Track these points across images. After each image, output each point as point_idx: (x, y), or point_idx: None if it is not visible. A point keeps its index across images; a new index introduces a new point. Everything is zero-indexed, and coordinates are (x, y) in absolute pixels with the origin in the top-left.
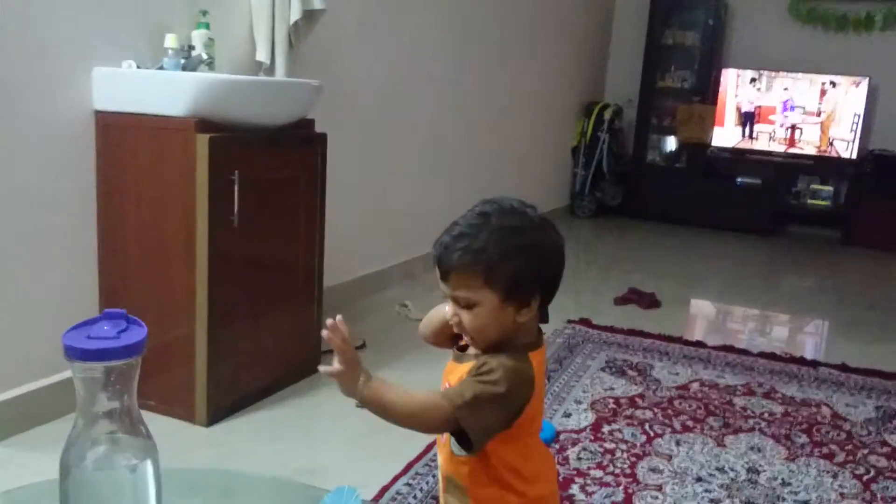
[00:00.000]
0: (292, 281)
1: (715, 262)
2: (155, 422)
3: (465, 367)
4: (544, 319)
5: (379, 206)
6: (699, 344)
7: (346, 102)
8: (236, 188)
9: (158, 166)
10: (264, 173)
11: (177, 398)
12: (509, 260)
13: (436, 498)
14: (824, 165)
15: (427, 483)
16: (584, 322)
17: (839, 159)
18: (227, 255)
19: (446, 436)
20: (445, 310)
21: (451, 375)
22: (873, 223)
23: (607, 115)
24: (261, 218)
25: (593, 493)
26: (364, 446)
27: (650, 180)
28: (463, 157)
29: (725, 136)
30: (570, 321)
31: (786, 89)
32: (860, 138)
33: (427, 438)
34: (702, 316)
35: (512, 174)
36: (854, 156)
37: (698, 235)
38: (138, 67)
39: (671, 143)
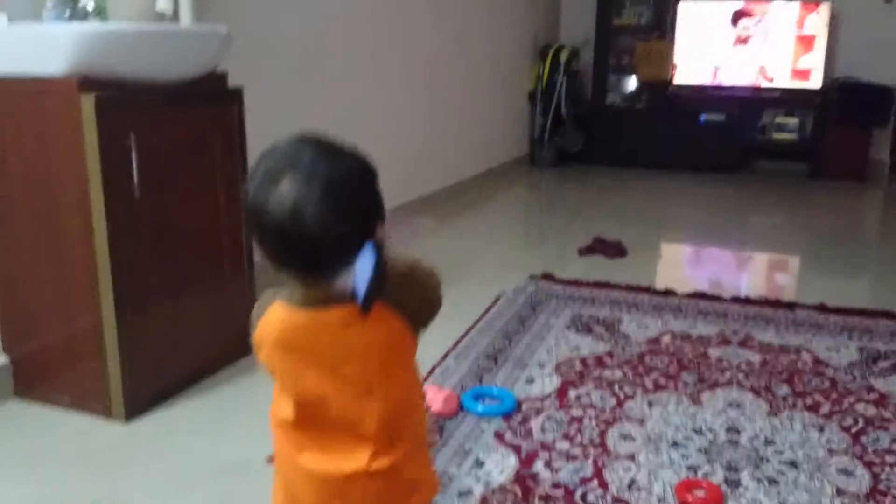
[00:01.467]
0: (215, 257)
1: (682, 204)
2: (69, 420)
3: None
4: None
5: None
6: (669, 293)
7: (268, 51)
8: (134, 154)
9: (42, 136)
10: (168, 136)
11: (90, 393)
12: None
13: None
14: (789, 97)
15: None
16: (547, 277)
17: (804, 90)
18: (130, 230)
19: None
20: None
21: None
22: (840, 154)
23: (563, 57)
24: (169, 187)
25: (559, 468)
26: None
27: (611, 123)
28: (408, 107)
29: (686, 73)
30: (532, 277)
31: (745, 18)
32: (825, 67)
33: None
34: (670, 262)
35: (465, 124)
36: (819, 85)
37: (664, 178)
38: (10, 22)
39: (631, 84)
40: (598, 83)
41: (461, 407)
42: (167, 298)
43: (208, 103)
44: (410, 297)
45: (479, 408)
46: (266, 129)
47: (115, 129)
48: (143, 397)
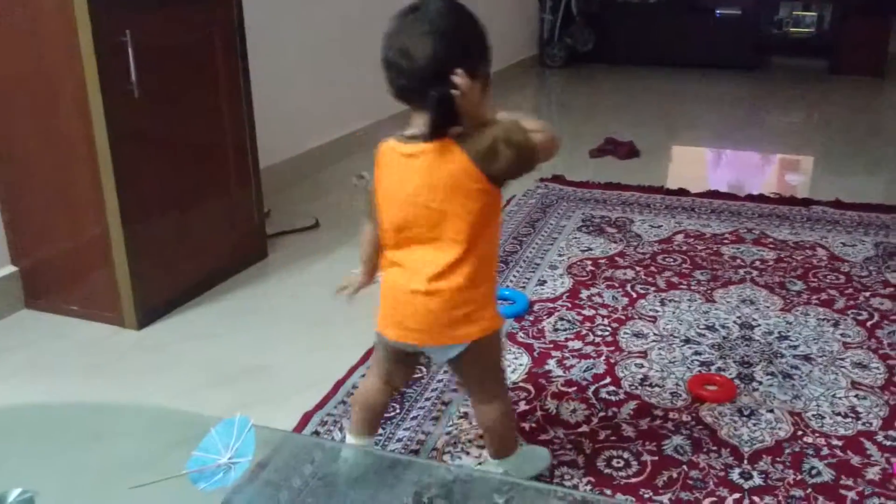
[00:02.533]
0: (220, 161)
1: (696, 103)
2: (81, 329)
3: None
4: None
5: (325, 69)
6: (682, 192)
7: None
8: (130, 52)
9: (37, 36)
10: (165, 33)
11: (102, 302)
12: None
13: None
14: None
15: None
16: (558, 179)
17: None
18: (132, 135)
19: None
20: None
21: None
22: (860, 48)
23: None
24: (169, 87)
25: (571, 367)
26: (318, 336)
27: (623, 20)
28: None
29: None
30: (542, 179)
31: None
32: None
33: None
34: (684, 162)
35: None
36: None
37: (678, 76)
38: None
39: None
40: None
41: None
42: (173, 205)
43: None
44: (487, 143)
45: None
46: (270, 26)
47: (110, 26)
48: (154, 304)
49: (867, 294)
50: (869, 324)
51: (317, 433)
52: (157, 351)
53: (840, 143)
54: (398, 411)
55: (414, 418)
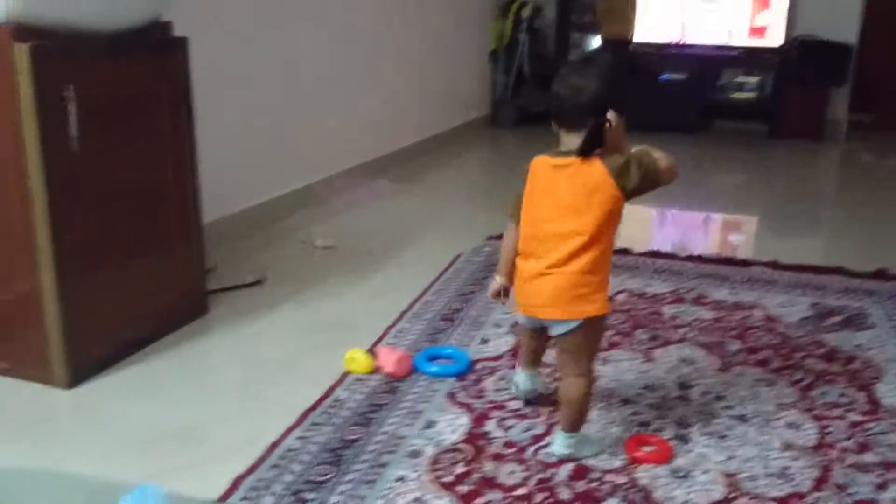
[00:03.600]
0: (161, 216)
1: None
2: (9, 387)
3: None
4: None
5: (271, 124)
6: (625, 252)
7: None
8: (72, 106)
9: None
10: (110, 88)
11: (30, 360)
12: None
13: (333, 450)
14: (750, 56)
15: (324, 435)
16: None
17: (764, 49)
18: (70, 189)
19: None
20: None
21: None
22: (799, 113)
23: (526, 13)
24: (111, 141)
25: (511, 427)
26: (255, 396)
27: None
28: (367, 65)
29: (648, 31)
30: (489, 237)
31: None
32: (787, 24)
33: (328, 382)
34: (630, 221)
35: (426, 83)
36: (779, 44)
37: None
38: None
39: (594, 41)
40: (560, 41)
41: (415, 368)
42: (111, 261)
43: (152, 54)
44: (621, 163)
45: (433, 368)
46: (216, 83)
47: (52, 80)
48: (87, 362)
49: (801, 354)
50: (802, 384)
51: (245, 499)
52: (85, 411)
53: (780, 204)
54: (334, 474)
55: (349, 481)
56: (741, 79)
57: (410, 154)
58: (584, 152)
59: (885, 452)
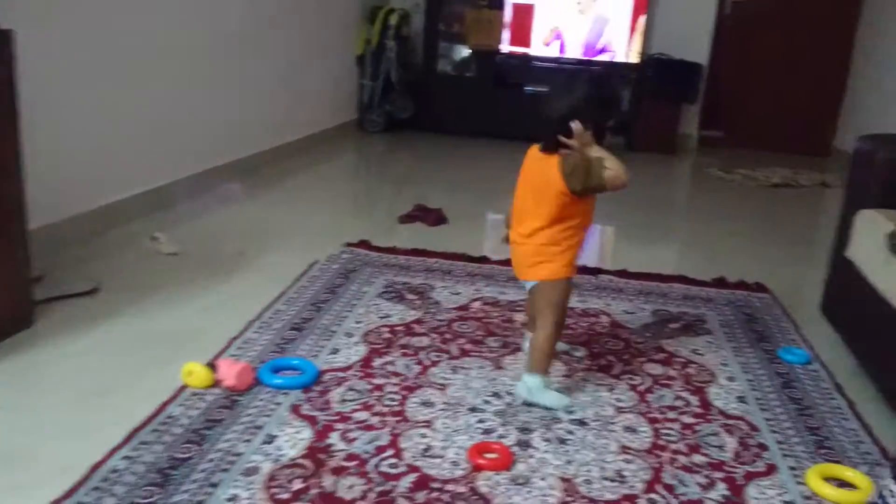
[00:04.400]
0: None
1: (506, 173)
2: None
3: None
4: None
5: (114, 123)
6: (483, 259)
7: None
8: None
9: None
10: None
11: None
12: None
13: (161, 470)
14: (609, 72)
15: (153, 454)
16: (363, 244)
17: (623, 65)
18: None
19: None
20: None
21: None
22: (655, 127)
23: (393, 20)
24: None
25: (355, 439)
26: (80, 414)
27: (442, 90)
28: (228, 64)
29: (515, 43)
30: (348, 244)
31: None
32: (643, 42)
33: (164, 398)
34: (490, 230)
35: (289, 85)
36: (637, 61)
37: (491, 147)
38: None
39: (462, 51)
40: (428, 49)
41: (258, 380)
42: None
43: None
44: (571, 166)
45: (277, 380)
46: (49, 79)
47: None
48: None
49: (642, 360)
50: (640, 388)
51: None
52: None
53: (634, 214)
54: (160, 495)
55: (176, 503)
56: None
57: (272, 157)
58: (546, 150)
59: (713, 453)
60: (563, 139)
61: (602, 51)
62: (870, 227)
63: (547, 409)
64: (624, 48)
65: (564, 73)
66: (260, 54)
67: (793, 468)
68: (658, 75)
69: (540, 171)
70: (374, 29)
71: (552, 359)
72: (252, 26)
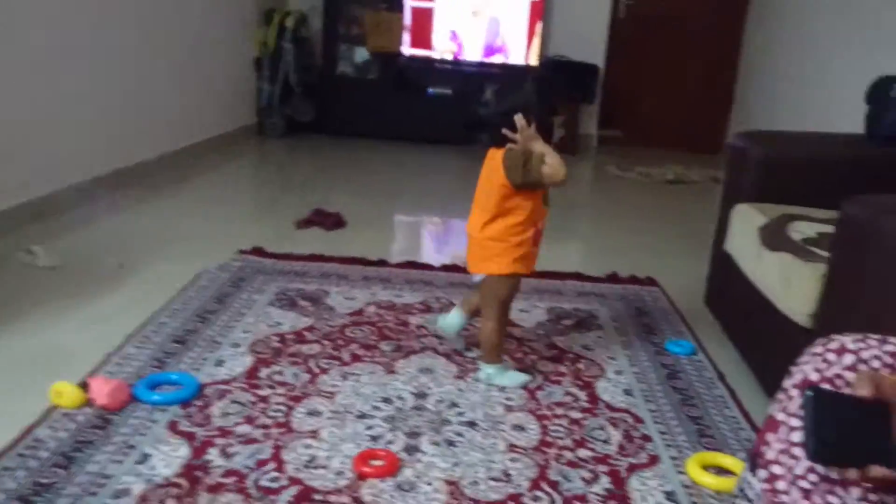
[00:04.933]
0: None
1: (409, 176)
2: None
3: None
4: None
5: None
6: (381, 263)
7: None
8: None
9: None
10: None
11: None
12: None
13: (22, 497)
14: (509, 73)
15: (15, 480)
16: (257, 252)
17: (522, 67)
18: None
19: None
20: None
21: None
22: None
23: (290, 23)
24: None
25: (235, 454)
26: None
27: (342, 93)
28: (117, 66)
29: (416, 45)
30: (241, 251)
31: None
32: (541, 45)
33: (30, 419)
34: (390, 233)
35: (182, 88)
36: (536, 62)
37: (394, 150)
38: None
39: (362, 54)
40: (328, 52)
41: (134, 397)
42: None
43: None
44: (511, 159)
45: (154, 397)
46: None
47: None
48: None
49: (534, 357)
50: (531, 386)
51: None
52: None
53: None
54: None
55: None
56: None
57: (166, 163)
58: (495, 145)
59: (599, 447)
60: (507, 133)
61: (499, 51)
62: (744, 222)
63: (504, 388)
64: (523, 51)
65: (465, 75)
66: (150, 55)
67: (674, 458)
68: (556, 77)
69: (489, 165)
70: (270, 31)
71: (501, 347)
72: (141, 25)
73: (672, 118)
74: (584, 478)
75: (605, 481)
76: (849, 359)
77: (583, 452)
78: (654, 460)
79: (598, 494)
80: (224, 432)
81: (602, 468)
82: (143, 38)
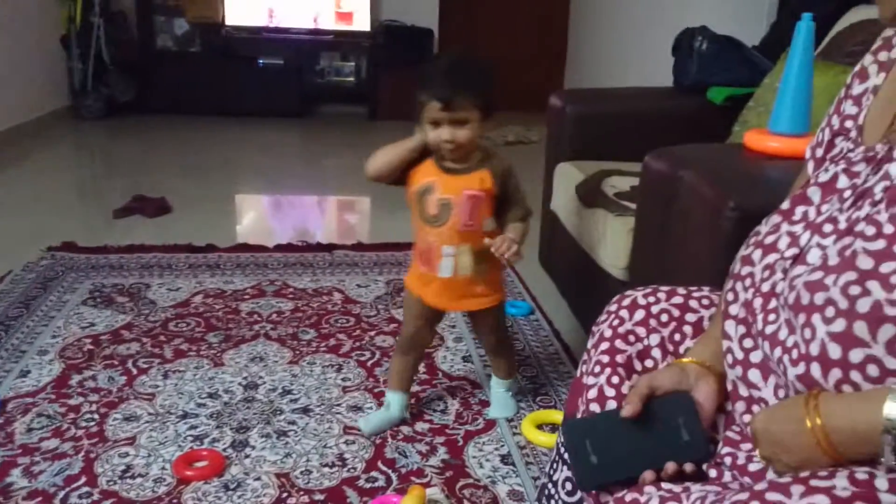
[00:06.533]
0: None
1: (243, 152)
2: None
3: (474, 177)
4: None
5: None
6: (209, 248)
7: None
8: None
9: None
10: None
11: None
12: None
13: None
14: (342, 40)
15: None
16: (68, 247)
17: (355, 33)
18: None
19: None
20: (410, 146)
21: (455, 185)
22: (395, 95)
23: None
24: None
25: (40, 472)
26: None
27: (164, 68)
28: None
29: (240, 14)
30: (49, 248)
31: None
32: (371, 10)
33: None
34: (222, 214)
35: None
36: (368, 28)
37: (225, 125)
38: None
39: (182, 25)
40: (143, 25)
41: None
42: None
43: None
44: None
45: None
46: None
47: None
48: None
49: (373, 333)
50: (370, 363)
51: None
52: None
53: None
54: None
55: None
56: (338, 63)
57: None
58: None
59: (436, 418)
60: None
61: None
62: (564, 180)
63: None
64: (358, 17)
65: (297, 43)
66: None
67: (510, 420)
68: (390, 42)
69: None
70: (76, 6)
71: (395, 371)
72: None
73: (510, 79)
74: (420, 451)
75: (441, 452)
76: (639, 314)
77: (420, 426)
78: (490, 425)
79: (434, 467)
80: (28, 450)
81: (439, 439)
82: None
